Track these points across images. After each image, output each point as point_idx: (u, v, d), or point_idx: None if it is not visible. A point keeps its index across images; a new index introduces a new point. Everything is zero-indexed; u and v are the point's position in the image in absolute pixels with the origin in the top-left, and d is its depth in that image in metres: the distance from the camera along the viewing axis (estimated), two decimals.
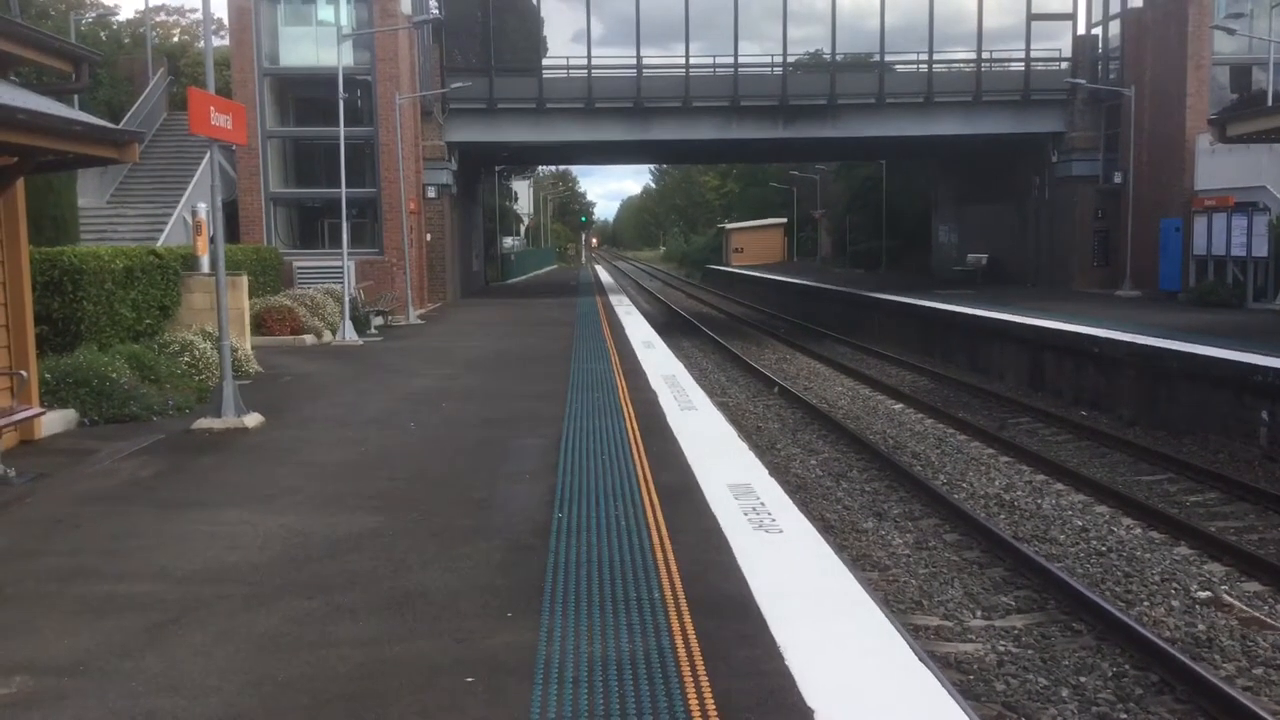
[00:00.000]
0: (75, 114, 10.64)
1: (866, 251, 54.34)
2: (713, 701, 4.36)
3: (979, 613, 8.82)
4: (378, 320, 23.83)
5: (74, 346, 12.78)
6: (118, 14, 45.05)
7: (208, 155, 13.50)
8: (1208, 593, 9.15)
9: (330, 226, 28.93)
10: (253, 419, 11.22)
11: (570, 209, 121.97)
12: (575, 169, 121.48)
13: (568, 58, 37.30)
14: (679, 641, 5.00)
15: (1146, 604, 8.95)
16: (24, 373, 10.09)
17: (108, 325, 13.96)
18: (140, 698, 4.51)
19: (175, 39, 44.62)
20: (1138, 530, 11.04)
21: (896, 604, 8.94)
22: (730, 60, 33.55)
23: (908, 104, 33.36)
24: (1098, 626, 8.24)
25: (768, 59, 35.06)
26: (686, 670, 4.67)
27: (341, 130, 22.02)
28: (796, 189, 69.07)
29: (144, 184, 27.53)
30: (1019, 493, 12.71)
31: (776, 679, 4.56)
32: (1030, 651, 7.96)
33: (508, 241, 64.70)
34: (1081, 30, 34.66)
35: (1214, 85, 29.82)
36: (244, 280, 17.01)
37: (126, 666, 4.86)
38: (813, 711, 4.26)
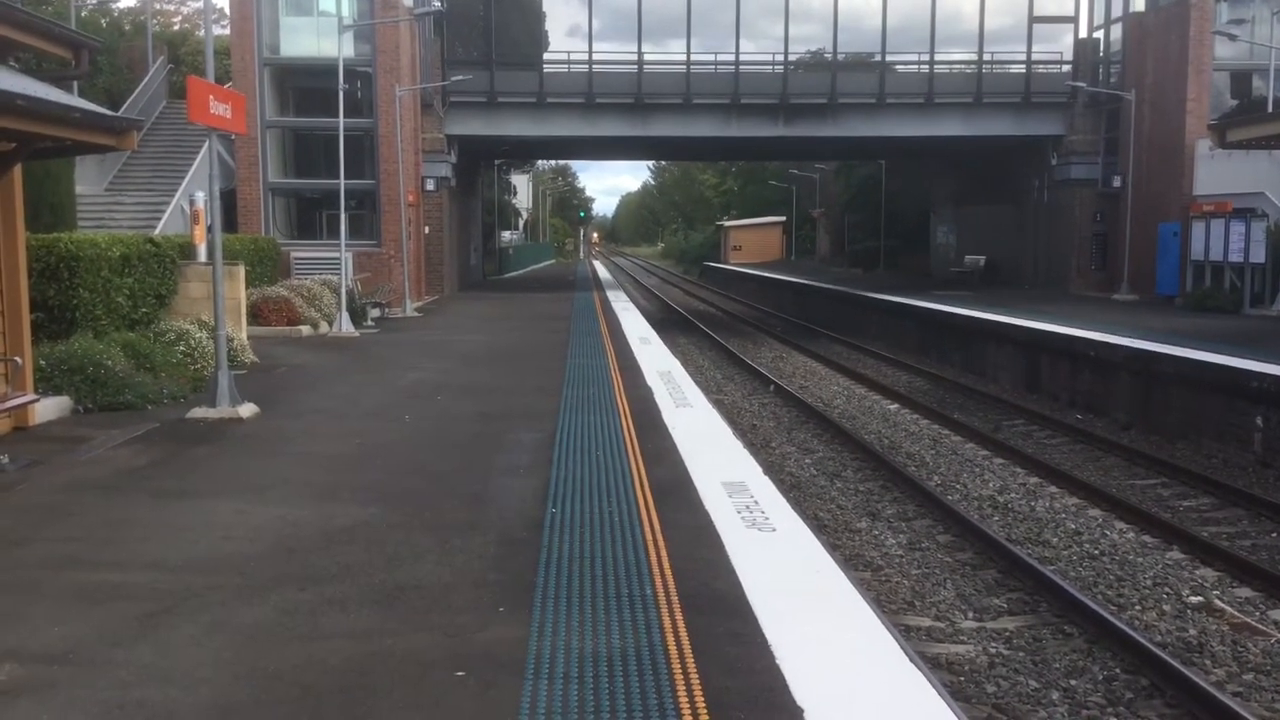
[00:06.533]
0: (74, 101, 10.60)
1: (865, 251, 54.32)
2: (703, 699, 4.36)
3: (971, 614, 8.82)
4: (374, 312, 23.81)
5: (69, 334, 12.74)
6: (118, 0, 44.89)
7: (206, 144, 13.48)
8: (1199, 598, 9.16)
9: (329, 217, 28.87)
10: (247, 409, 11.21)
11: (569, 204, 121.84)
12: (574, 164, 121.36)
13: (569, 53, 37.39)
14: (670, 639, 5.00)
15: (1138, 608, 8.96)
16: (19, 359, 10.06)
17: (103, 313, 13.93)
18: (131, 687, 4.51)
19: (176, 27, 44.46)
20: (1131, 534, 11.05)
21: (889, 604, 8.94)
22: (731, 58, 33.52)
23: (908, 104, 33.35)
24: (1089, 630, 8.25)
25: (769, 57, 35.06)
26: (677, 667, 4.67)
27: (341, 121, 21.99)
28: (796, 187, 69.03)
29: (142, 172, 27.45)
30: (1013, 495, 12.71)
31: (767, 677, 4.56)
32: (1021, 654, 7.97)
33: (506, 235, 64.66)
34: (1083, 33, 34.69)
35: (1214, 91, 29.81)
36: (241, 270, 16.97)
37: (118, 655, 4.86)
38: (803, 710, 4.26)
